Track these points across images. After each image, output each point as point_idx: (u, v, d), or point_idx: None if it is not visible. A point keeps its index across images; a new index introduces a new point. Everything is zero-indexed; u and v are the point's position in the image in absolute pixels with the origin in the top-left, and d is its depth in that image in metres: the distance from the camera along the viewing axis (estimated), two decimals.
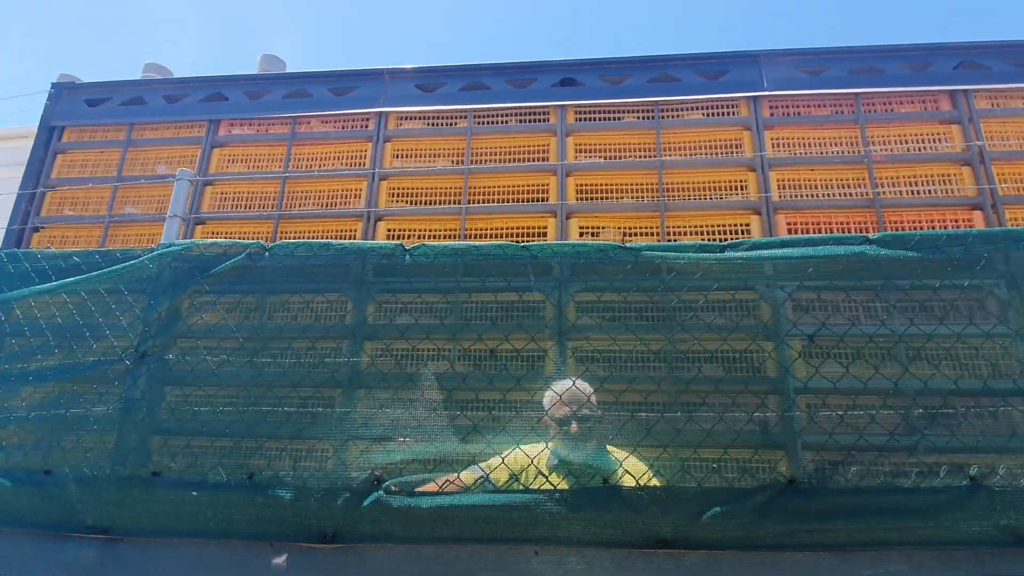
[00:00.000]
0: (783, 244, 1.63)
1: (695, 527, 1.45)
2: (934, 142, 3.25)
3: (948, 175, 3.17)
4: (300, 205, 3.71)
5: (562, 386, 1.64)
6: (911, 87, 3.35)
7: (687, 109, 3.52)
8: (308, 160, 3.80)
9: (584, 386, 1.64)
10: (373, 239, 3.50)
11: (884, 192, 3.17)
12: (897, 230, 3.05)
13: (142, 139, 3.93)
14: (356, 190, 3.64)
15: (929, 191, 3.16)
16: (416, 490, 1.50)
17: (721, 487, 1.50)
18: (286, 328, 1.77)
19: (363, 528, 1.47)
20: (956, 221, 3.05)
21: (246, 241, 1.79)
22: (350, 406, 1.58)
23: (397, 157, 3.73)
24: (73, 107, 3.99)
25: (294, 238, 3.53)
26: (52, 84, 4.05)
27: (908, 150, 3.27)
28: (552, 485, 1.50)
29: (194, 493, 1.56)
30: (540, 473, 1.53)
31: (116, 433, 1.73)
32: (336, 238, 3.53)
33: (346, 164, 3.75)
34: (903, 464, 1.50)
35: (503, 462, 1.58)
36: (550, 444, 1.65)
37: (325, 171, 3.67)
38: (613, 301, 1.71)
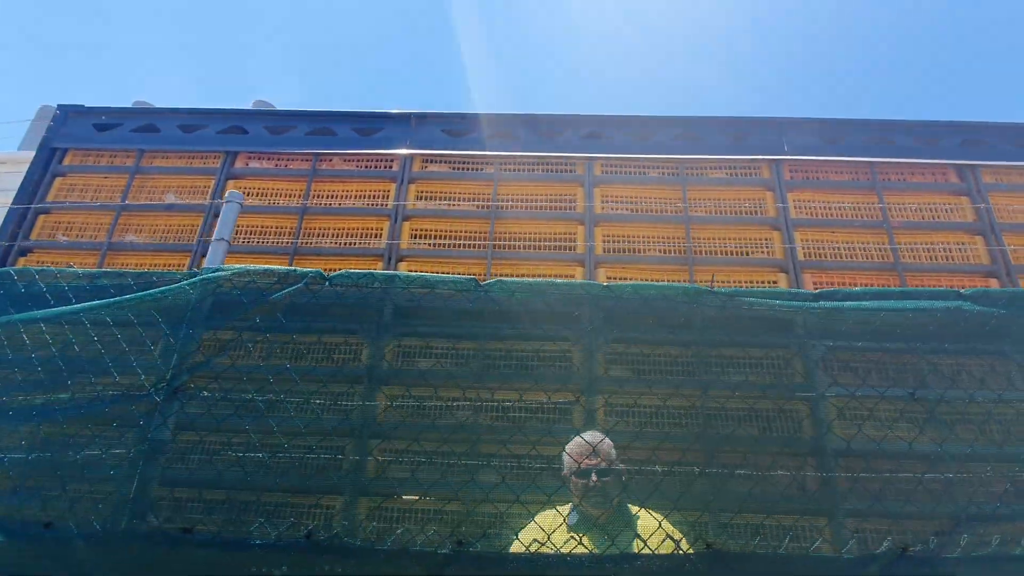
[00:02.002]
0: (876, 295, 1.59)
1: None
2: (947, 211, 3.39)
3: (962, 243, 3.29)
4: (317, 242, 3.57)
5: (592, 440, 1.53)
6: (922, 159, 3.51)
7: (711, 168, 3.60)
8: (328, 198, 3.70)
9: (607, 443, 1.57)
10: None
11: (904, 257, 3.24)
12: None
13: (151, 167, 3.77)
14: (377, 229, 3.54)
15: (947, 257, 3.25)
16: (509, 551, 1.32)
17: (831, 556, 1.37)
18: (347, 369, 1.61)
19: None
20: (974, 286, 3.12)
21: (304, 269, 1.66)
22: (471, 459, 1.41)
23: (420, 199, 3.67)
24: (79, 130, 3.84)
25: None
26: (58, 106, 3.91)
27: (923, 218, 3.38)
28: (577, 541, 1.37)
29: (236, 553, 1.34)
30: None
31: (137, 481, 1.50)
32: None
33: (366, 203, 3.66)
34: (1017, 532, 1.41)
35: (561, 516, 1.44)
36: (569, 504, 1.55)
37: (346, 208, 3.57)
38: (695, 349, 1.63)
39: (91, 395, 1.62)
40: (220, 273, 1.67)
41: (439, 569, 1.32)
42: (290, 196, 3.74)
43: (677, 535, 1.40)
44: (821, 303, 1.56)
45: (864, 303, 1.52)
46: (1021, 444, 1.44)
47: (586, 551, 1.35)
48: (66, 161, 3.81)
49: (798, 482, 1.66)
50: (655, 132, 3.71)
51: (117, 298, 1.67)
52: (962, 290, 1.58)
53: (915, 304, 1.52)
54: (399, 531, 1.36)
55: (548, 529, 1.39)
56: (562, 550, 1.35)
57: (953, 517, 1.41)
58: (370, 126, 3.89)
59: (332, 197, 3.73)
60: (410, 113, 3.89)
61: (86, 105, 3.92)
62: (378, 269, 3.44)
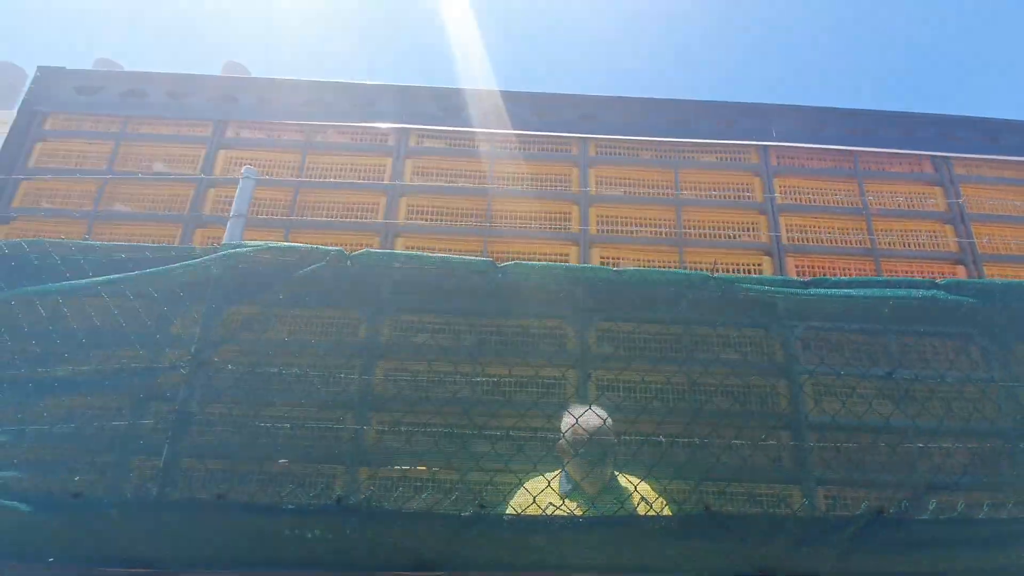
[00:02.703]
0: (861, 284, 1.73)
1: (794, 556, 1.46)
2: (922, 200, 3.57)
3: (934, 231, 3.48)
4: (311, 215, 3.57)
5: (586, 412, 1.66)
6: (900, 149, 3.67)
7: (702, 152, 3.70)
8: (322, 171, 3.68)
9: (600, 413, 1.69)
10: None
11: (880, 243, 3.42)
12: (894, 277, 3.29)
13: (137, 134, 3.68)
14: (374, 204, 3.55)
15: (918, 244, 3.45)
16: (513, 512, 1.44)
17: (816, 517, 1.53)
18: (368, 344, 1.68)
19: (467, 554, 1.39)
20: (943, 273, 3.33)
21: (326, 247, 1.71)
22: (466, 428, 1.50)
23: (416, 175, 3.68)
24: (62, 94, 3.70)
25: None
26: (38, 67, 3.75)
27: (899, 206, 3.56)
28: (567, 510, 1.50)
29: (269, 518, 1.42)
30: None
31: (166, 451, 1.56)
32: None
33: (362, 178, 3.66)
34: (979, 498, 1.59)
35: (549, 485, 1.57)
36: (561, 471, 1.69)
37: (344, 182, 3.56)
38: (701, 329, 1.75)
39: (115, 368, 1.66)
40: (242, 249, 1.71)
41: (462, 530, 1.43)
42: (282, 168, 3.71)
43: (669, 501, 1.55)
44: (811, 291, 1.69)
45: (851, 291, 1.65)
46: (983, 420, 1.61)
47: (595, 514, 1.47)
48: (47, 125, 3.68)
49: (783, 453, 1.81)
50: (648, 115, 3.78)
51: (139, 272, 1.69)
52: (937, 280, 1.72)
53: (894, 292, 1.65)
54: (424, 496, 1.45)
55: (547, 495, 1.52)
56: (575, 513, 1.47)
57: (922, 485, 1.58)
58: (365, 99, 3.85)
59: (326, 170, 3.71)
60: (406, 87, 3.86)
61: (67, 68, 3.78)
62: (375, 244, 3.47)
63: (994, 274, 3.38)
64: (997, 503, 1.57)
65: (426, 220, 3.53)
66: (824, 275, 3.33)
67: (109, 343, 1.70)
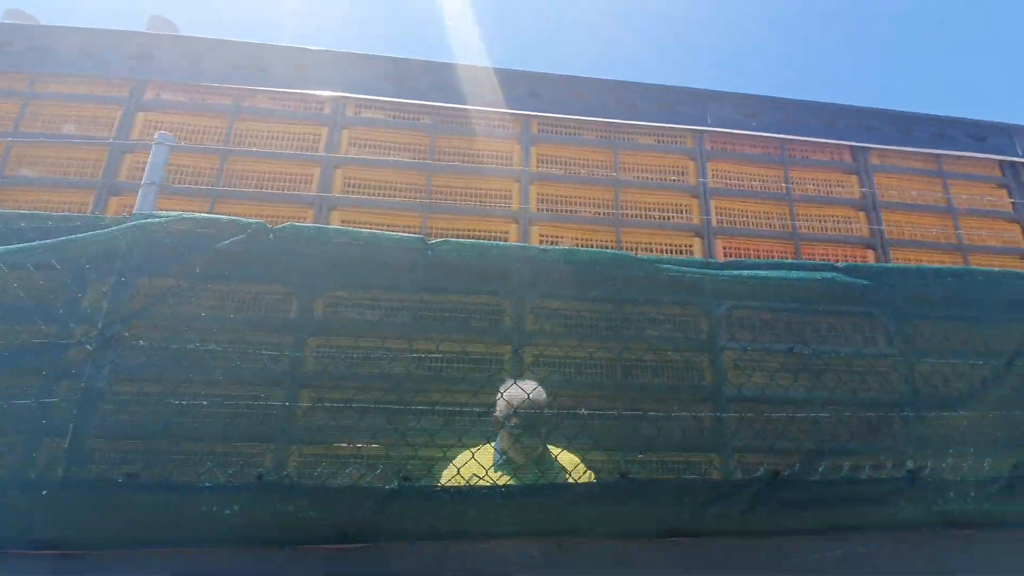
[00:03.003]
0: (771, 266, 1.84)
1: (701, 517, 1.58)
2: (839, 188, 3.81)
3: (849, 217, 3.73)
4: (239, 185, 3.41)
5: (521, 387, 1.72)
6: (823, 139, 3.89)
7: (641, 134, 3.78)
8: (252, 138, 3.51)
9: (534, 388, 1.76)
10: None
11: (801, 228, 3.64)
12: (811, 260, 3.52)
13: (47, 92, 3.37)
14: (307, 175, 3.44)
15: (835, 229, 3.69)
16: (440, 484, 1.48)
17: (722, 480, 1.65)
18: (288, 319, 1.65)
19: (387, 526, 1.42)
20: (855, 257, 3.60)
21: (247, 220, 1.65)
22: (399, 404, 1.51)
23: (353, 146, 3.58)
24: None
25: None
26: None
27: (819, 192, 3.79)
28: (491, 480, 1.57)
29: (194, 496, 1.39)
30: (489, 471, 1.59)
31: (72, 430, 1.49)
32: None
33: (296, 147, 3.52)
34: (862, 461, 1.76)
35: (473, 457, 1.63)
36: (493, 443, 1.77)
37: (276, 152, 3.41)
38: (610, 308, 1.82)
39: (12, 344, 1.56)
40: (154, 219, 1.62)
41: (387, 503, 1.45)
42: (208, 134, 3.51)
43: (591, 468, 1.63)
44: (726, 272, 1.79)
45: (760, 273, 1.76)
46: (869, 391, 1.78)
47: (517, 483, 1.53)
48: None
49: (698, 422, 1.94)
50: (590, 94, 3.81)
51: (40, 242, 1.58)
52: (837, 263, 1.86)
53: (798, 275, 1.78)
54: (348, 471, 1.46)
55: (473, 467, 1.57)
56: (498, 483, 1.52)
57: (814, 450, 1.73)
58: (302, 62, 3.68)
59: (256, 138, 3.54)
60: (344, 53, 3.71)
61: None
62: (308, 216, 3.36)
63: (900, 258, 3.68)
64: (878, 465, 1.75)
65: (363, 193, 3.45)
66: (749, 257, 3.52)
67: (8, 318, 1.59)
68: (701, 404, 1.99)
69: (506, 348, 1.95)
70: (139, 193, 1.68)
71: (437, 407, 1.60)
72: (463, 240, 1.68)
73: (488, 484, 1.52)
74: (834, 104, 3.95)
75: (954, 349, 1.92)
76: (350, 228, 1.75)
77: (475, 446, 1.75)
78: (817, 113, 3.96)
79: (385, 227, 3.35)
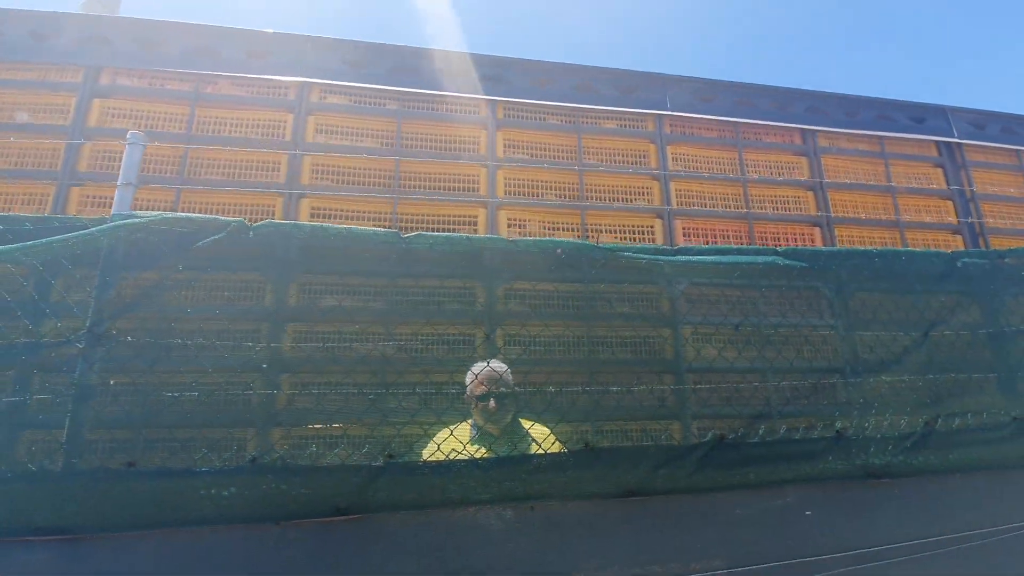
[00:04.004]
0: (717, 251, 2.02)
1: (654, 478, 1.78)
2: (790, 169, 4.04)
3: (798, 197, 3.97)
4: (204, 173, 3.39)
5: (490, 366, 1.88)
6: (775, 122, 4.09)
7: (604, 118, 3.90)
8: (214, 126, 3.48)
9: (500, 366, 1.93)
10: (296, 217, 3.35)
11: (754, 207, 3.86)
12: (762, 239, 3.76)
13: None
14: (275, 163, 3.44)
15: (785, 209, 3.92)
16: (424, 459, 1.62)
17: (673, 445, 1.85)
18: (269, 309, 1.74)
19: (376, 498, 1.56)
20: (803, 235, 3.84)
21: (226, 218, 1.72)
22: (380, 388, 1.63)
23: (320, 132, 3.59)
24: None
25: (201, 211, 3.26)
26: None
27: (771, 174, 4.01)
28: (468, 454, 1.74)
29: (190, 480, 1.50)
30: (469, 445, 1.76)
31: (68, 423, 1.57)
32: (253, 213, 3.33)
33: (261, 134, 3.51)
34: (798, 423, 1.99)
35: (452, 434, 1.79)
36: (469, 421, 1.94)
37: (242, 138, 3.40)
38: (580, 291, 1.98)
39: (1, 343, 1.61)
40: (134, 220, 1.68)
41: (374, 478, 1.59)
42: (169, 121, 3.46)
43: (558, 439, 1.81)
44: (678, 257, 1.96)
45: (709, 258, 1.93)
46: (803, 359, 2.00)
47: (492, 455, 1.69)
48: None
49: (657, 394, 2.13)
50: (554, 79, 3.90)
51: (17, 244, 1.62)
52: (778, 248, 2.05)
53: (746, 259, 1.96)
54: (336, 451, 1.59)
55: (452, 443, 1.72)
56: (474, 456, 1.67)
57: (755, 415, 1.94)
58: (261, 48, 3.64)
59: (219, 125, 3.51)
60: (305, 36, 3.68)
61: None
62: (277, 204, 3.38)
63: (844, 234, 3.95)
64: (811, 427, 1.98)
65: (332, 180, 3.48)
66: (704, 235, 3.73)
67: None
68: (666, 375, 2.18)
69: (479, 330, 2.10)
70: (116, 193, 1.72)
71: (417, 389, 1.73)
72: (435, 233, 1.79)
73: (467, 457, 1.67)
74: (785, 87, 4.14)
75: (881, 320, 2.15)
76: (326, 224, 1.84)
77: (453, 423, 1.90)
78: (770, 96, 4.15)
79: (354, 213, 3.40)
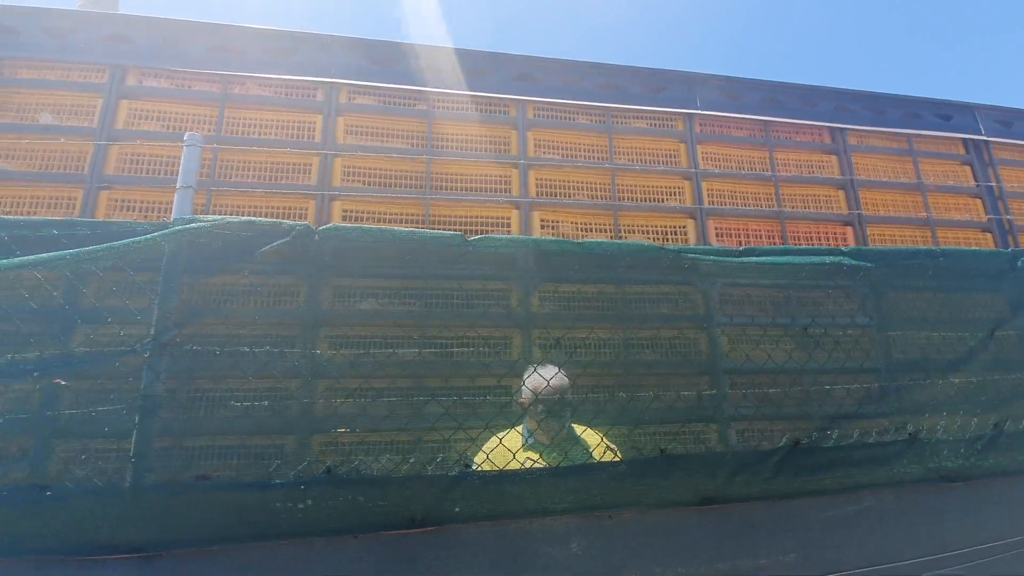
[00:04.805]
0: (784, 252, 1.98)
1: (731, 484, 1.73)
2: (820, 168, 4.00)
3: (829, 196, 3.94)
4: (235, 176, 3.34)
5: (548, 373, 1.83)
6: (803, 120, 4.06)
7: (634, 117, 3.86)
8: (243, 127, 3.42)
9: (551, 371, 1.87)
10: (328, 219, 3.30)
11: (785, 206, 3.83)
12: (795, 239, 3.72)
13: (17, 79, 3.19)
14: (305, 165, 3.39)
15: (817, 207, 3.89)
16: (498, 469, 1.57)
17: (749, 451, 1.80)
18: (341, 313, 1.69)
19: (451, 509, 1.51)
20: (836, 234, 3.81)
21: (291, 223, 1.67)
22: (430, 395, 1.58)
23: (349, 133, 3.53)
24: None
25: (234, 214, 3.20)
26: None
27: (801, 172, 3.97)
28: (532, 462, 1.69)
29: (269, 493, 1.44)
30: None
31: (136, 435, 1.51)
32: (284, 215, 3.27)
33: (290, 135, 3.45)
34: (870, 426, 1.95)
35: (500, 442, 1.73)
36: (520, 427, 1.89)
37: (274, 139, 3.34)
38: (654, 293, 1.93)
39: (62, 352, 1.55)
40: (196, 225, 1.62)
41: (449, 489, 1.54)
42: (197, 123, 3.40)
43: (613, 448, 1.76)
44: (743, 259, 1.91)
45: (778, 259, 1.89)
46: (871, 361, 1.96)
47: (569, 463, 1.65)
48: None
49: (712, 395, 2.08)
50: (582, 78, 3.85)
51: (77, 250, 1.57)
52: (843, 248, 2.01)
53: (814, 259, 1.92)
54: (411, 460, 1.54)
55: (508, 452, 1.67)
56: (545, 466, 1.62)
57: (828, 418, 1.90)
58: (288, 46, 3.58)
59: (247, 126, 3.45)
60: (332, 36, 3.63)
61: None
62: (309, 207, 3.33)
63: (875, 234, 3.92)
64: (882, 429, 1.93)
65: (362, 182, 3.43)
66: (737, 235, 3.69)
67: (54, 328, 1.57)
68: (703, 377, 2.12)
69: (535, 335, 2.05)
70: (176, 196, 1.67)
71: (488, 396, 1.69)
72: (499, 236, 1.74)
73: (541, 467, 1.62)
74: (813, 86, 4.11)
75: (944, 320, 2.12)
76: (392, 228, 1.79)
77: (502, 430, 1.81)
78: (797, 94, 4.11)
79: (386, 215, 3.35)
